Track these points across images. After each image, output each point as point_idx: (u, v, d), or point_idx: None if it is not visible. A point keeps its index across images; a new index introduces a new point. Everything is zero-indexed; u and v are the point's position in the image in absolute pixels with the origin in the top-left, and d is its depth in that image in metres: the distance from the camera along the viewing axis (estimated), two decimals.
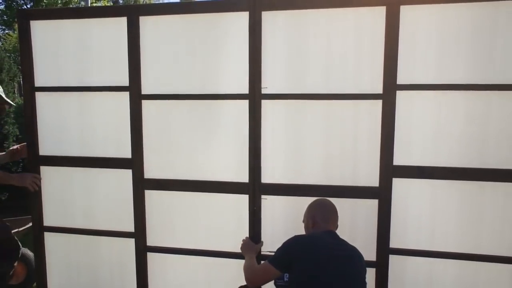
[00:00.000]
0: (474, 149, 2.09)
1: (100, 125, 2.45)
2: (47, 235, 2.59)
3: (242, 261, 2.34)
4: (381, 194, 2.16)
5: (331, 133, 2.20)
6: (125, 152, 2.41)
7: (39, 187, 2.50)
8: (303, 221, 2.14)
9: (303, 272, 1.80)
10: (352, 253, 1.89)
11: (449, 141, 2.10)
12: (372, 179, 2.17)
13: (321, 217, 2.02)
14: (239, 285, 2.21)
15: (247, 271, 2.04)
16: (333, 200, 2.11)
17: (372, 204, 2.19)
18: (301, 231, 2.24)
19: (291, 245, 1.91)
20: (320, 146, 2.21)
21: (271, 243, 2.29)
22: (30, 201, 2.55)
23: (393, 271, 2.21)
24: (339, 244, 1.91)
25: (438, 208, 2.16)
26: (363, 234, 2.21)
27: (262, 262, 2.01)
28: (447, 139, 2.10)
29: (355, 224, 2.22)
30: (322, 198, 2.13)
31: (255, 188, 2.27)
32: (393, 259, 2.20)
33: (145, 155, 2.40)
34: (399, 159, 2.13)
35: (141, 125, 2.37)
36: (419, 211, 2.18)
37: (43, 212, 2.56)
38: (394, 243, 2.19)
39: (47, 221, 2.57)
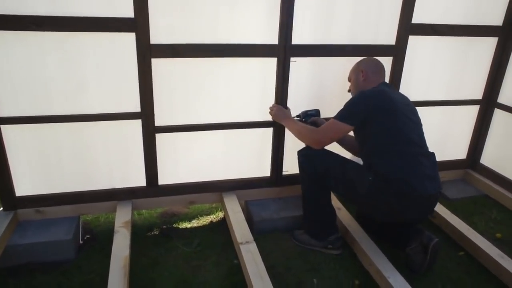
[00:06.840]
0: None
1: None
2: (5, 128, 1.94)
3: (265, 129, 2.29)
4: (397, 50, 2.32)
5: None
6: (124, 10, 1.87)
7: None
8: (349, 79, 2.15)
9: (382, 122, 1.86)
10: (409, 100, 2.04)
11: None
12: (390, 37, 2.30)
13: (372, 69, 2.05)
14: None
15: (310, 134, 1.98)
16: (355, 59, 2.17)
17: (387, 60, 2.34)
18: (326, 95, 2.29)
19: (364, 101, 1.90)
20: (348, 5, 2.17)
21: (294, 107, 2.27)
22: None
23: None
24: (397, 93, 2.05)
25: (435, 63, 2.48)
26: None
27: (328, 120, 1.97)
28: None
29: None
30: (368, 57, 2.15)
31: (286, 50, 2.12)
32: None
33: (151, 14, 1.91)
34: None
35: None
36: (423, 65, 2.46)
37: None
38: None
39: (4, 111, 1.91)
